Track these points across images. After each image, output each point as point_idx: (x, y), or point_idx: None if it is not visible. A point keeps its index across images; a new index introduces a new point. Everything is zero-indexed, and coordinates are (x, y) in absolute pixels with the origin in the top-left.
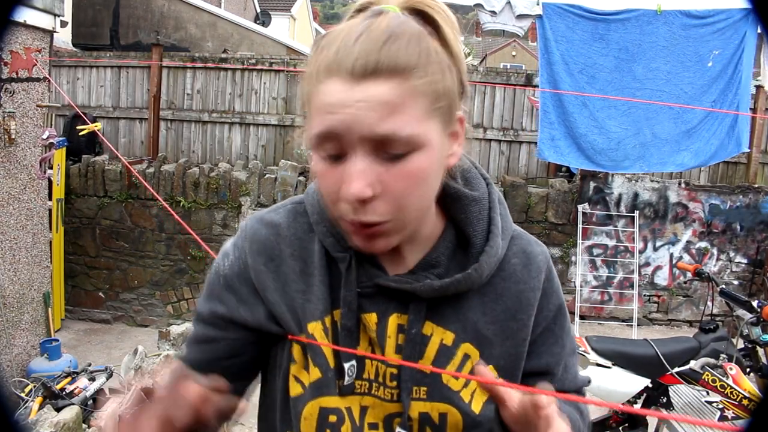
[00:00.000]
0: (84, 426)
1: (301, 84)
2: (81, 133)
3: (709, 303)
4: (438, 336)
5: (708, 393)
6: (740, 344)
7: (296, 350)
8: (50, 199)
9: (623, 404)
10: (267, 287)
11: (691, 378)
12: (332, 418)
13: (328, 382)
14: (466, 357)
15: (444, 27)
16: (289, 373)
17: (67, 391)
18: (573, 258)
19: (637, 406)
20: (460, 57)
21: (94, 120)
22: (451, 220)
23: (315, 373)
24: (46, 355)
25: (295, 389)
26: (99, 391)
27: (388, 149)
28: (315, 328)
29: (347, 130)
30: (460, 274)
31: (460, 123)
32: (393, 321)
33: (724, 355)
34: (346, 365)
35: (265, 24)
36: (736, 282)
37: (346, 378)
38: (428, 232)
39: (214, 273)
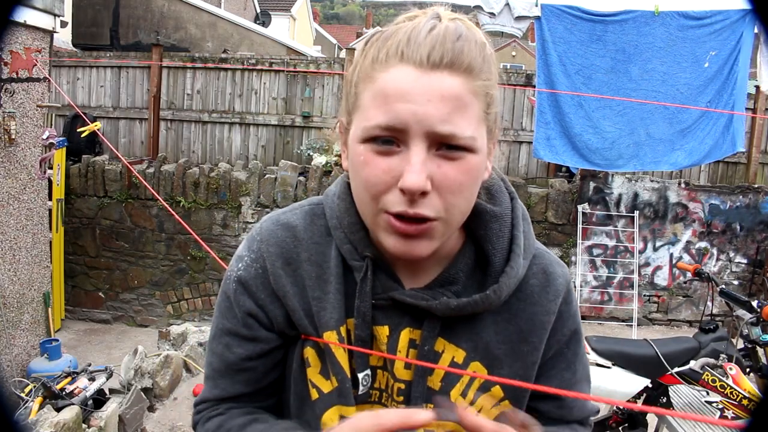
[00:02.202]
0: (84, 426)
1: (351, 72)
2: (83, 135)
3: (709, 303)
4: (450, 353)
5: (708, 393)
6: (740, 344)
7: (311, 354)
8: (50, 199)
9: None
10: (286, 292)
11: (691, 378)
12: None
13: (346, 393)
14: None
15: (490, 51)
16: (306, 377)
17: (67, 391)
18: (573, 258)
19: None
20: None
21: (94, 120)
22: (471, 236)
23: (333, 382)
24: (46, 355)
25: (312, 394)
26: (99, 391)
27: (448, 146)
28: (330, 337)
29: (416, 122)
30: (478, 295)
31: (493, 142)
32: (405, 335)
33: (724, 355)
34: (360, 375)
35: (265, 24)
36: (736, 282)
37: (361, 387)
38: (449, 247)
39: (226, 282)
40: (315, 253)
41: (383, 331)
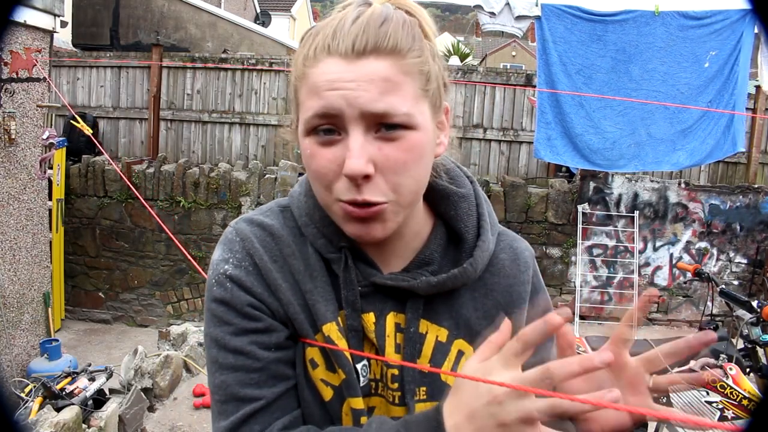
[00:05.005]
0: (84, 426)
1: (290, 74)
2: (77, 124)
3: (709, 303)
4: (433, 333)
5: (708, 393)
6: (740, 344)
7: (315, 353)
8: (50, 199)
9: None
10: (279, 286)
11: None
12: (365, 420)
13: (354, 383)
14: (461, 353)
15: (425, 25)
16: (313, 379)
17: (67, 391)
18: (573, 258)
19: None
20: (439, 54)
21: (94, 120)
22: (440, 217)
23: (341, 374)
24: (46, 355)
25: (326, 393)
26: (99, 391)
27: (386, 126)
28: (330, 329)
29: (348, 106)
30: (456, 269)
31: (445, 113)
32: (390, 320)
33: (724, 355)
34: (359, 366)
35: (265, 24)
36: (736, 282)
37: (362, 378)
38: (418, 229)
39: (215, 287)
40: (296, 249)
41: (369, 318)
